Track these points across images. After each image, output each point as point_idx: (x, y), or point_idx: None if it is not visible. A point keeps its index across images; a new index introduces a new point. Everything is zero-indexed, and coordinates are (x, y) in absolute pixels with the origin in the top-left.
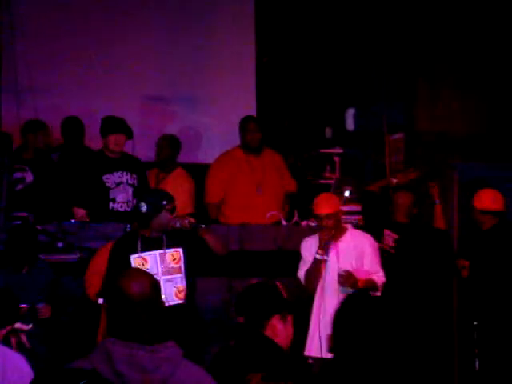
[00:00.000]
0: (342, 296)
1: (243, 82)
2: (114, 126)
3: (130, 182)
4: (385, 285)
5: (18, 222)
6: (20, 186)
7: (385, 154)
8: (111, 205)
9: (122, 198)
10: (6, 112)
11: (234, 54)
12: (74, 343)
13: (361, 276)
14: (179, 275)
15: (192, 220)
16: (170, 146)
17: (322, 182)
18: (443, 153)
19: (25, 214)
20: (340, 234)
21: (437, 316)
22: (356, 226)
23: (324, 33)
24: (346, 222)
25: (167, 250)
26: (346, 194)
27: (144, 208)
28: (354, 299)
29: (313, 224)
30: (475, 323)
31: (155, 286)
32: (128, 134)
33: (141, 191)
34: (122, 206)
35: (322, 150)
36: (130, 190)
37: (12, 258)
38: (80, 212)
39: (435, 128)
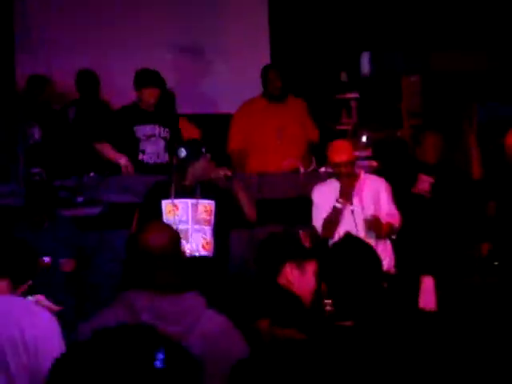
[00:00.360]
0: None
1: (256, 29)
2: (148, 78)
3: (162, 135)
4: (418, 230)
5: (37, 178)
6: (30, 142)
7: (401, 98)
8: (140, 156)
9: (151, 149)
10: (21, 69)
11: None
12: (99, 295)
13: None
14: (209, 227)
15: (228, 173)
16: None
17: (338, 127)
18: (460, 93)
19: (38, 170)
20: (356, 180)
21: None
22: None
23: None
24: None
25: (200, 201)
26: (364, 139)
27: (183, 153)
28: (341, 246)
29: (330, 170)
30: (496, 263)
31: (175, 238)
32: (162, 87)
33: (174, 143)
34: (151, 158)
35: (337, 95)
36: (162, 143)
37: (32, 214)
38: (123, 160)
39: (451, 68)
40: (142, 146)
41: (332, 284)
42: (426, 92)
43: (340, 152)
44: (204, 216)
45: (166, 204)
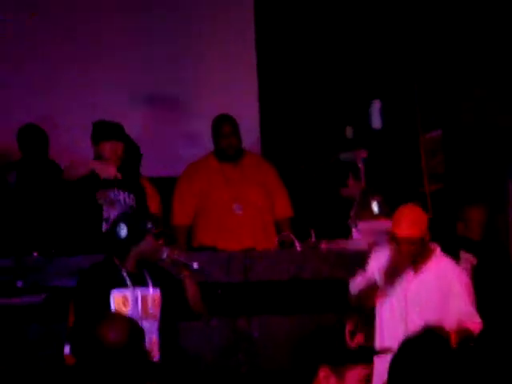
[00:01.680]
0: None
1: (242, 76)
2: (109, 130)
3: (127, 202)
4: None
5: None
6: None
7: (420, 157)
8: (104, 225)
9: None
10: None
11: (231, 46)
12: None
13: (445, 318)
14: (156, 322)
15: (179, 256)
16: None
17: (343, 193)
18: (493, 151)
19: None
20: (424, 259)
21: None
22: None
23: (340, 15)
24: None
25: (149, 290)
26: (375, 207)
27: (123, 231)
28: (415, 342)
29: (334, 247)
30: None
31: (137, 334)
32: (126, 141)
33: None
34: None
35: (342, 154)
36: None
37: None
38: (110, 170)
39: (482, 122)
40: (106, 213)
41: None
42: (449, 151)
43: (405, 223)
44: (152, 310)
45: (115, 295)
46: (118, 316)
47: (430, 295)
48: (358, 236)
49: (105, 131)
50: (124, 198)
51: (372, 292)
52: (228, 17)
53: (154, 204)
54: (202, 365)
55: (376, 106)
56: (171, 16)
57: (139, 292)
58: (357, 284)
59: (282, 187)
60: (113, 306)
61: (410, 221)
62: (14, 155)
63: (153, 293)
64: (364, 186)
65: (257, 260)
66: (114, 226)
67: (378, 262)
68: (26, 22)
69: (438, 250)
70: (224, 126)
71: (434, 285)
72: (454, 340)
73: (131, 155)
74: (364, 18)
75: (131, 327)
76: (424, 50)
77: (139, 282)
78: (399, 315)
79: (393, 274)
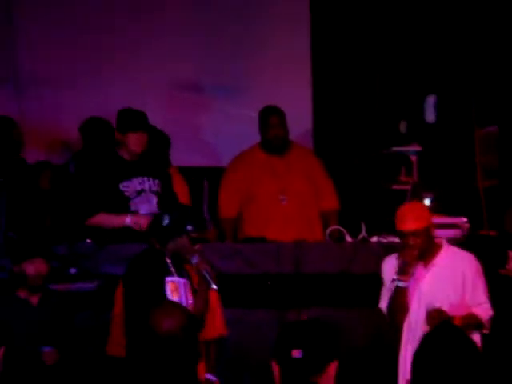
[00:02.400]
0: None
1: (295, 71)
2: (136, 121)
3: (153, 189)
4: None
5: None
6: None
7: (474, 152)
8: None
9: (145, 209)
10: (4, 106)
11: (284, 42)
12: None
13: (460, 311)
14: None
15: (208, 268)
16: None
17: (395, 187)
18: None
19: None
20: (432, 254)
21: None
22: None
23: (396, 8)
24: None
25: (187, 280)
26: (427, 202)
27: (166, 221)
28: (435, 336)
29: (384, 240)
30: None
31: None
32: (150, 131)
33: (168, 201)
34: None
35: (395, 148)
36: (155, 200)
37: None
38: (128, 219)
39: None
40: (133, 205)
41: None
42: (505, 146)
43: (407, 218)
44: (191, 301)
45: (169, 282)
46: (174, 304)
47: (444, 288)
48: None
49: (132, 122)
50: (149, 185)
51: (398, 294)
52: (282, 7)
53: (182, 193)
54: (250, 357)
55: (431, 101)
56: (224, 4)
57: (182, 281)
58: (383, 300)
59: (328, 180)
60: (168, 293)
61: (412, 214)
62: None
63: (188, 282)
64: (416, 180)
65: (307, 252)
66: (160, 214)
67: (390, 267)
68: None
69: (445, 243)
70: (271, 118)
71: (446, 278)
72: (459, 324)
73: (158, 144)
74: (420, 12)
75: (186, 316)
76: (481, 44)
77: (177, 271)
78: (415, 313)
79: (404, 270)
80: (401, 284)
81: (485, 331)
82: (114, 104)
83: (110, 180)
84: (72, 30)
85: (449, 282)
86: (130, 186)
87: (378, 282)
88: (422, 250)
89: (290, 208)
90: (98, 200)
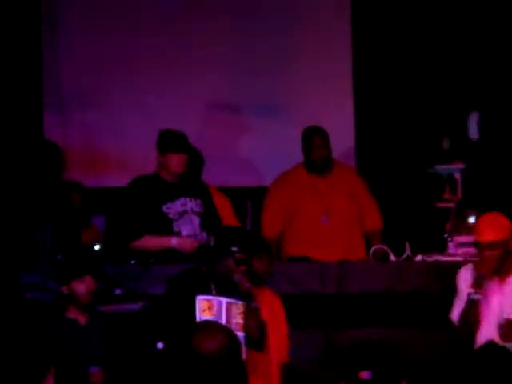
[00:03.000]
0: None
1: (337, 87)
2: (176, 142)
3: (195, 209)
4: None
5: None
6: None
7: None
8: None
9: (187, 230)
10: (48, 127)
11: (324, 57)
12: None
13: None
14: (240, 333)
15: (251, 288)
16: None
17: (440, 205)
18: None
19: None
20: (509, 269)
21: None
22: None
23: (437, 25)
24: None
25: (235, 301)
26: (471, 220)
27: (211, 242)
28: (482, 355)
29: (429, 259)
30: None
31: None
32: (191, 152)
33: (211, 222)
34: None
35: (439, 166)
36: (197, 220)
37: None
38: (174, 240)
39: None
40: (176, 227)
41: None
42: None
43: (485, 229)
44: (238, 320)
45: (201, 300)
46: (215, 325)
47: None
48: (454, 250)
49: (172, 143)
50: (191, 206)
51: (470, 307)
52: (322, 20)
53: (225, 212)
54: (295, 376)
55: (474, 117)
56: (262, 18)
57: (224, 300)
58: (456, 310)
59: (371, 199)
60: (197, 312)
61: (491, 225)
62: None
63: (238, 303)
64: (461, 198)
65: (351, 271)
66: (208, 235)
67: (465, 278)
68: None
69: None
70: (315, 138)
71: None
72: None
73: (194, 163)
74: (462, 28)
75: (228, 337)
76: None
77: (225, 292)
78: (486, 329)
79: (479, 283)
80: (475, 297)
81: None
82: (151, 127)
83: (153, 202)
84: (110, 51)
85: None
86: (172, 208)
87: (423, 300)
88: (498, 264)
89: (332, 228)
90: (142, 222)
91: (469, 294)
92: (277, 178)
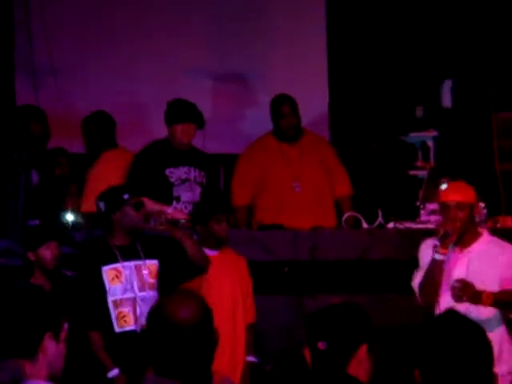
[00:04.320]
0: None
1: (311, 57)
2: (184, 112)
3: (198, 180)
4: None
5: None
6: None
7: (492, 137)
8: (174, 204)
9: (187, 197)
10: (21, 96)
11: (299, 25)
12: None
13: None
14: (154, 292)
15: (173, 215)
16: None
17: (412, 173)
18: None
19: (37, 222)
20: (470, 240)
21: None
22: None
23: None
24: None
25: (144, 261)
26: (444, 187)
27: (102, 206)
28: (439, 324)
29: (401, 227)
30: None
31: (207, 312)
32: (200, 122)
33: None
34: (186, 207)
35: (412, 134)
36: (198, 190)
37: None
38: (170, 210)
39: None
40: (176, 191)
41: (426, 373)
42: None
43: (452, 190)
44: (149, 280)
45: (106, 271)
46: (189, 293)
47: (477, 276)
48: (426, 217)
49: (176, 113)
50: (195, 175)
51: (434, 268)
52: None
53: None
54: (266, 342)
55: (447, 85)
56: None
57: (132, 264)
58: (417, 278)
59: (340, 165)
60: (106, 282)
61: (458, 188)
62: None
63: (147, 263)
64: (433, 165)
65: (324, 238)
66: (96, 202)
67: (425, 251)
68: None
69: (486, 232)
70: (283, 107)
71: (481, 266)
72: (486, 300)
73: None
74: None
75: (201, 305)
76: (498, 27)
77: (131, 254)
78: (445, 298)
79: (444, 243)
80: (438, 257)
81: None
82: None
83: (157, 165)
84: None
85: (483, 270)
86: (175, 173)
87: (394, 268)
88: (463, 227)
89: (303, 195)
90: (143, 184)
91: (433, 251)
92: (246, 148)
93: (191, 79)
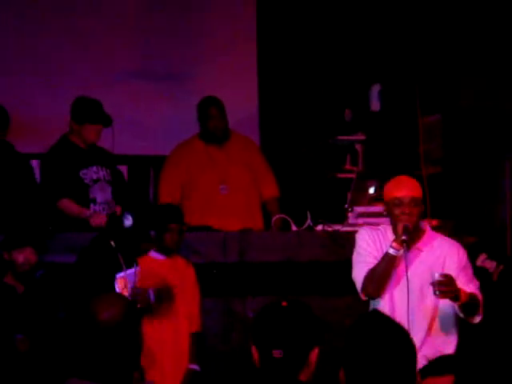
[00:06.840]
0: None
1: (241, 58)
2: (95, 113)
3: (106, 178)
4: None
5: None
6: None
7: (418, 141)
8: (92, 207)
9: (101, 197)
10: None
11: (230, 28)
12: None
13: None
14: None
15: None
16: None
17: (340, 176)
18: (493, 139)
19: None
20: (416, 237)
21: None
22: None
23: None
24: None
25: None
26: (371, 191)
27: (129, 222)
28: (360, 324)
29: (329, 229)
30: None
31: (132, 314)
32: (106, 122)
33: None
34: (104, 208)
35: (340, 137)
36: (109, 189)
37: None
38: (101, 219)
39: (482, 107)
40: (91, 193)
41: (351, 374)
42: (448, 134)
43: (404, 186)
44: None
45: (119, 279)
46: (115, 295)
47: (424, 273)
48: (354, 220)
49: (90, 113)
50: (103, 174)
51: (388, 264)
52: None
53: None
54: (204, 346)
55: (375, 89)
56: None
57: (131, 271)
58: (360, 270)
59: (267, 167)
60: (117, 290)
61: (411, 183)
62: None
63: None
64: (361, 169)
65: (253, 240)
66: (122, 215)
67: (366, 238)
68: None
69: (429, 228)
70: (210, 109)
71: (428, 263)
72: (464, 297)
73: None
74: (364, 2)
75: (127, 307)
76: (424, 34)
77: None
78: (398, 296)
79: (404, 234)
80: (393, 252)
81: (478, 318)
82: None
83: (71, 167)
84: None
85: (430, 267)
86: (87, 174)
87: (323, 270)
88: (417, 223)
89: (231, 197)
90: (63, 186)
91: (388, 251)
92: (173, 149)
93: (117, 79)
